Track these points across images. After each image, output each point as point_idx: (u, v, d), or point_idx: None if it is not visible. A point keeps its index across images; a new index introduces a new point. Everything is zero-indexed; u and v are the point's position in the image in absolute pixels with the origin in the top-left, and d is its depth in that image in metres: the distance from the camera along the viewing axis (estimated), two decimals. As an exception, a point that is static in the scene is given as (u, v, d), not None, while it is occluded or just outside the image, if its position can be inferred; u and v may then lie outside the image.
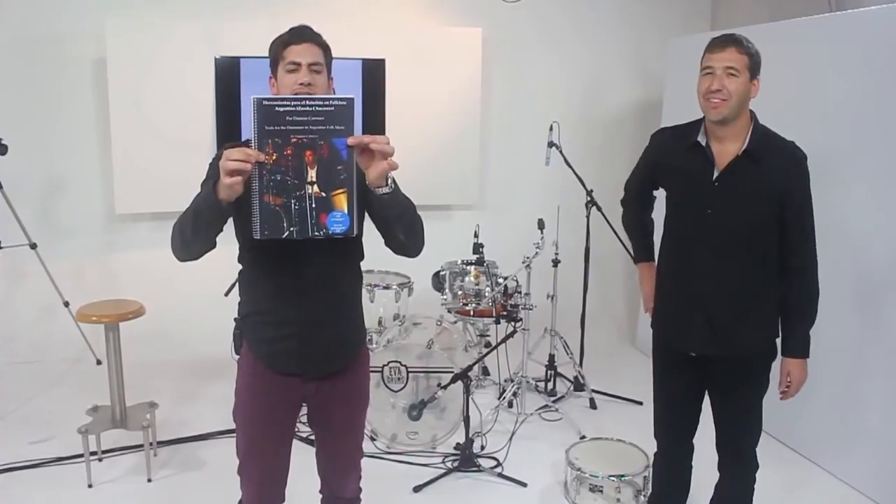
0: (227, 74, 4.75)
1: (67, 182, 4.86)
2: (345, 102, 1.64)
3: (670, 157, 2.37)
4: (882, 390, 3.24)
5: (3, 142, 4.19)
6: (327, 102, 1.65)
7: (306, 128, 1.64)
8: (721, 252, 2.26)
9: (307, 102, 1.64)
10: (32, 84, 4.70)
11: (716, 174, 2.23)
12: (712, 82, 2.15)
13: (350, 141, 1.67)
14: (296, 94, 1.83)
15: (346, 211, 1.68)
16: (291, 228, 1.67)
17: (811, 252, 2.26)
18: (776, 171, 2.17)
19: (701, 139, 2.27)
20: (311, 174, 1.65)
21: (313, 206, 1.67)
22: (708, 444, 2.50)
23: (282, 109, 1.63)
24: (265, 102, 1.64)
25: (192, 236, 1.78)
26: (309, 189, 1.66)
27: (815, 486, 3.40)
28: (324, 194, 1.67)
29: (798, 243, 2.23)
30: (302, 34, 1.90)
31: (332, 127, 1.64)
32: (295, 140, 1.64)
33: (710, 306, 2.30)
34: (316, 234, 1.69)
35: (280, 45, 1.90)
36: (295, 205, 1.66)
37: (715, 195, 2.23)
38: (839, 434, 3.45)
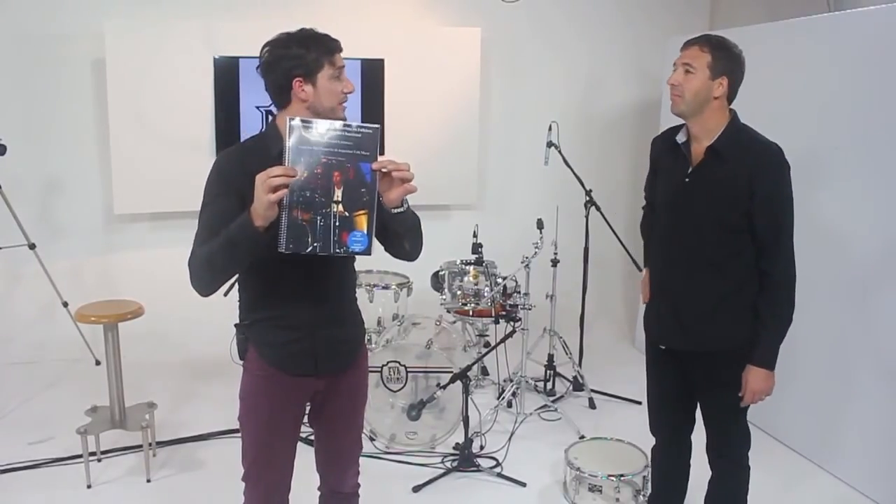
0: (226, 74, 4.75)
1: (66, 182, 4.85)
2: (371, 131, 1.74)
3: (660, 158, 2.47)
4: (871, 387, 3.25)
5: (1, 142, 4.18)
6: (357, 129, 1.74)
7: (336, 150, 1.72)
8: (692, 249, 2.30)
9: (339, 127, 1.73)
10: (31, 84, 4.70)
11: (688, 171, 2.29)
12: (671, 77, 2.26)
13: (374, 165, 1.75)
14: (341, 103, 1.91)
15: (365, 231, 1.77)
16: (315, 244, 1.74)
17: (784, 260, 2.22)
18: (742, 170, 2.18)
19: (680, 138, 2.34)
20: (338, 194, 1.74)
21: (337, 223, 1.75)
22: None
23: (315, 132, 1.72)
24: (302, 123, 1.71)
25: (224, 269, 1.82)
26: (334, 207, 1.74)
27: (809, 482, 3.41)
28: (347, 213, 1.75)
29: (768, 247, 2.22)
30: (336, 40, 1.91)
31: (359, 152, 1.74)
32: (325, 160, 1.72)
33: (678, 302, 2.35)
34: (337, 251, 1.76)
35: (323, 51, 1.86)
36: (321, 221, 1.74)
37: (686, 192, 2.29)
38: (833, 431, 3.46)
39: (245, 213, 1.72)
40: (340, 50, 1.90)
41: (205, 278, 1.84)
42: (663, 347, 2.44)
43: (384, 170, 1.76)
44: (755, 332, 2.26)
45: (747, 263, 2.25)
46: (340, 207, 1.73)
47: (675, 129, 2.41)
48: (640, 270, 2.79)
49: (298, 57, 1.84)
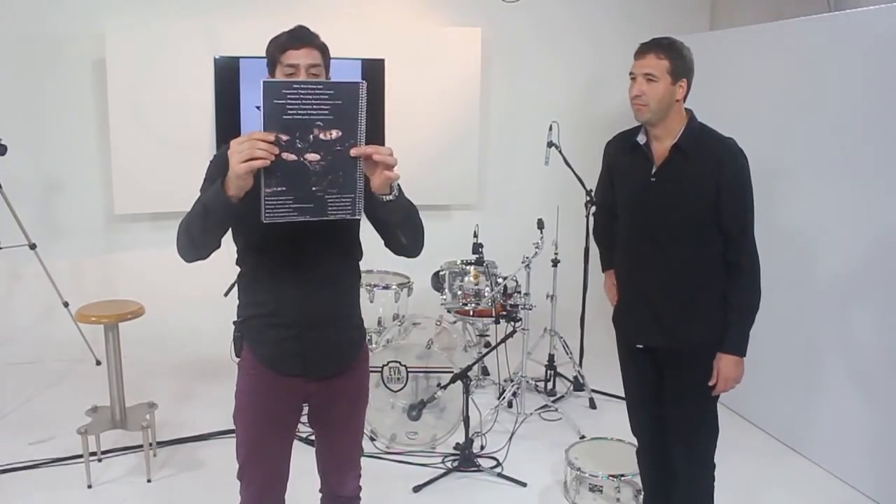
0: (227, 74, 4.75)
1: (67, 182, 4.86)
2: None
3: (617, 160, 2.50)
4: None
5: (2, 142, 4.18)
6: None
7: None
8: (662, 246, 2.34)
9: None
10: (32, 84, 4.71)
11: (653, 170, 2.32)
12: (633, 87, 2.28)
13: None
14: None
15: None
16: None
17: (750, 249, 2.29)
18: (708, 166, 2.24)
19: (640, 139, 2.38)
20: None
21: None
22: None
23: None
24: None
25: (201, 237, 1.77)
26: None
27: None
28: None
29: (734, 238, 2.28)
30: (300, 37, 1.88)
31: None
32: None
33: (654, 299, 2.38)
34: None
35: (278, 49, 1.88)
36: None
37: (653, 191, 2.33)
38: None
39: (219, 181, 1.68)
40: (298, 46, 1.86)
41: (183, 244, 1.82)
42: (640, 346, 2.46)
43: (365, 155, 1.68)
44: (724, 322, 2.31)
45: (715, 256, 2.31)
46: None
47: (630, 132, 2.45)
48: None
49: (267, 56, 1.91)
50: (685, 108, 2.33)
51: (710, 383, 2.32)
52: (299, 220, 1.69)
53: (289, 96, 1.61)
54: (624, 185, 2.48)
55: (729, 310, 2.30)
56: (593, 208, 4.26)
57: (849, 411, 3.32)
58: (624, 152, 2.45)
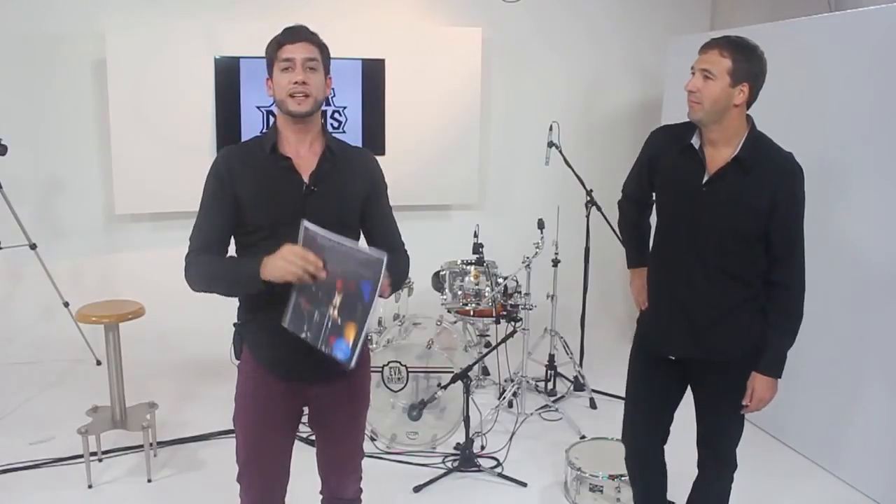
0: (227, 74, 4.75)
1: (67, 182, 4.85)
2: (376, 258, 1.71)
3: (663, 156, 2.32)
4: (876, 389, 3.25)
5: (2, 142, 4.18)
6: (364, 253, 1.74)
7: (344, 263, 1.74)
8: (706, 258, 2.22)
9: (347, 245, 1.74)
10: (32, 84, 4.70)
11: (705, 179, 2.19)
12: (689, 82, 2.15)
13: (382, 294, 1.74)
14: (290, 94, 1.86)
15: (350, 343, 1.76)
16: (308, 332, 1.82)
17: (797, 270, 2.19)
18: (766, 181, 2.11)
19: (695, 141, 2.22)
20: (337, 299, 1.76)
21: (329, 324, 1.78)
22: (689, 442, 2.48)
23: (326, 243, 1.75)
24: (312, 230, 1.77)
25: (221, 294, 1.91)
26: (331, 310, 1.77)
27: (813, 483, 3.41)
28: (339, 320, 1.77)
29: (782, 258, 2.17)
30: (296, 33, 1.89)
31: (362, 271, 1.73)
32: (332, 267, 1.76)
33: (691, 311, 2.27)
34: (322, 348, 1.80)
35: (274, 46, 1.89)
36: (317, 316, 1.79)
37: (703, 200, 2.19)
38: (837, 432, 3.45)
39: (257, 265, 1.76)
40: (293, 41, 1.87)
41: (200, 288, 1.92)
42: (673, 358, 2.36)
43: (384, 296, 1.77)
44: (765, 338, 2.22)
45: (759, 272, 2.21)
46: (335, 312, 1.76)
47: (683, 129, 2.27)
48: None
49: (266, 58, 1.92)
50: (747, 115, 2.18)
51: (744, 402, 2.27)
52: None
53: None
54: (668, 188, 2.31)
55: (769, 330, 2.21)
56: (594, 208, 4.28)
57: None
58: (672, 150, 2.27)
